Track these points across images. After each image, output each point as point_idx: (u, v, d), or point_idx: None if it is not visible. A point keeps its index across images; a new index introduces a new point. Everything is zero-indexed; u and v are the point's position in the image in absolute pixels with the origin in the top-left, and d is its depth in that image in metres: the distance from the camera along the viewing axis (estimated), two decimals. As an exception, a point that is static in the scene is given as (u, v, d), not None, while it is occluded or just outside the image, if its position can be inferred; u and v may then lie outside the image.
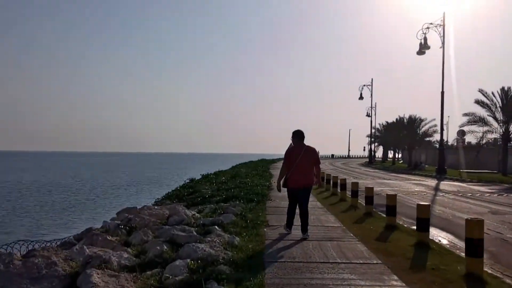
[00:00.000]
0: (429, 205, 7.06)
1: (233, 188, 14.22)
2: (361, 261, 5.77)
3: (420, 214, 6.85)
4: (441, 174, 29.96)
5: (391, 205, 8.50)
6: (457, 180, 26.41)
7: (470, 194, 17.15)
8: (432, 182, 24.51)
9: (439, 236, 8.30)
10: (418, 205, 6.96)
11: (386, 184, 22.21)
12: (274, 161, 55.32)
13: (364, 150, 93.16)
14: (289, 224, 7.72)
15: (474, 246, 5.09)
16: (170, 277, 4.74)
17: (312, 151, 7.45)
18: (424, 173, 33.17)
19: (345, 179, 13.85)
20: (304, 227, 7.37)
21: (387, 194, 8.74)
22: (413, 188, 19.89)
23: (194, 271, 4.93)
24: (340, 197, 13.61)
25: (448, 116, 57.63)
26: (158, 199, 14.66)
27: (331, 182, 16.34)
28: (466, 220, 5.30)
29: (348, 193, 13.74)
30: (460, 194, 17.20)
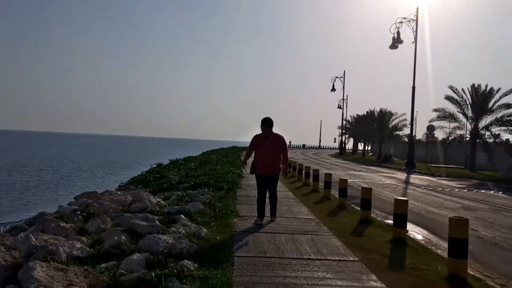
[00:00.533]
0: (407, 200, 6.74)
1: (202, 175, 13.64)
2: (337, 258, 5.36)
3: (397, 210, 6.50)
4: (410, 167, 30.22)
5: (366, 198, 8.16)
6: (426, 174, 26.64)
7: (441, 189, 17.17)
8: (402, 176, 24.61)
9: (413, 231, 8.03)
10: (396, 200, 6.62)
11: (357, 176, 22.12)
12: (245, 148, 54.87)
13: (335, 141, 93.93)
14: (261, 215, 7.50)
15: (458, 246, 4.76)
16: (126, 273, 4.20)
17: (279, 139, 7.49)
18: (394, 166, 33.43)
19: (318, 170, 13.51)
20: (273, 211, 7.66)
21: (362, 187, 8.39)
22: (384, 181, 19.82)
23: (154, 267, 4.40)
24: (313, 188, 13.27)
25: (417, 111, 58.36)
26: (122, 183, 13.91)
27: (303, 172, 16.00)
28: (450, 219, 4.96)
29: (321, 184, 13.44)
30: (430, 188, 17.20)
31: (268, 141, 7.37)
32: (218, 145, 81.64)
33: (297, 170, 17.79)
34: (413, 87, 31.26)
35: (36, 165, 38.43)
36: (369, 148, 72.00)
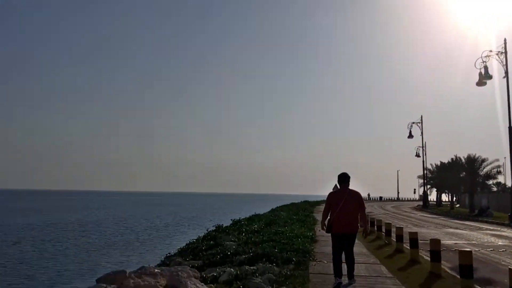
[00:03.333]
0: None
1: (266, 241, 10.96)
2: None
3: None
4: (517, 222, 25.32)
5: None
6: (540, 230, 21.86)
7: None
8: (512, 233, 20.14)
9: None
10: None
11: (456, 235, 18.18)
12: (318, 203, 51.19)
13: (414, 192, 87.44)
14: (338, 273, 7.02)
15: None
16: None
17: (356, 195, 7.17)
18: (494, 221, 28.46)
19: (416, 233, 10.32)
20: (350, 274, 7.17)
21: (510, 269, 5.28)
22: (494, 242, 15.83)
23: None
24: (411, 257, 10.07)
25: (505, 158, 51.47)
26: (169, 253, 11.60)
27: (393, 234, 12.76)
28: None
29: (420, 250, 10.25)
30: (563, 251, 13.14)
31: (345, 198, 7.00)
32: (290, 199, 78.42)
33: (383, 230, 14.54)
34: (510, 128, 26.92)
35: (114, 224, 38.73)
36: (455, 199, 65.36)
